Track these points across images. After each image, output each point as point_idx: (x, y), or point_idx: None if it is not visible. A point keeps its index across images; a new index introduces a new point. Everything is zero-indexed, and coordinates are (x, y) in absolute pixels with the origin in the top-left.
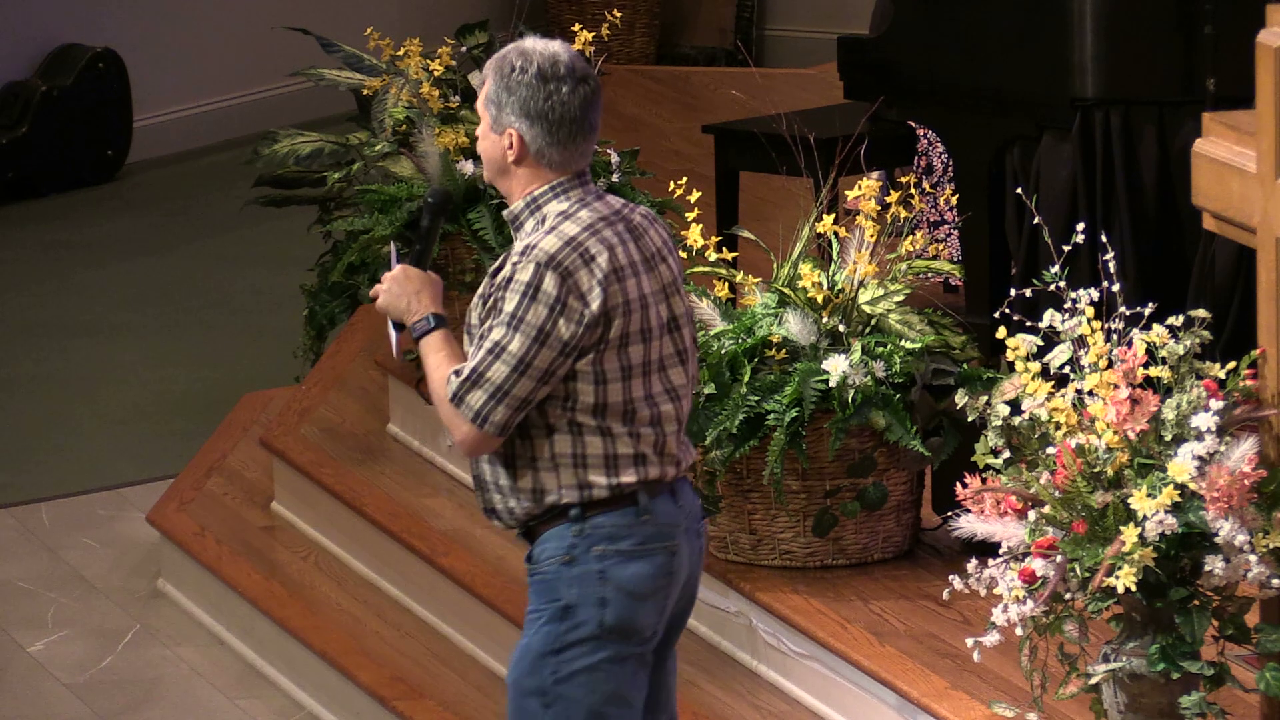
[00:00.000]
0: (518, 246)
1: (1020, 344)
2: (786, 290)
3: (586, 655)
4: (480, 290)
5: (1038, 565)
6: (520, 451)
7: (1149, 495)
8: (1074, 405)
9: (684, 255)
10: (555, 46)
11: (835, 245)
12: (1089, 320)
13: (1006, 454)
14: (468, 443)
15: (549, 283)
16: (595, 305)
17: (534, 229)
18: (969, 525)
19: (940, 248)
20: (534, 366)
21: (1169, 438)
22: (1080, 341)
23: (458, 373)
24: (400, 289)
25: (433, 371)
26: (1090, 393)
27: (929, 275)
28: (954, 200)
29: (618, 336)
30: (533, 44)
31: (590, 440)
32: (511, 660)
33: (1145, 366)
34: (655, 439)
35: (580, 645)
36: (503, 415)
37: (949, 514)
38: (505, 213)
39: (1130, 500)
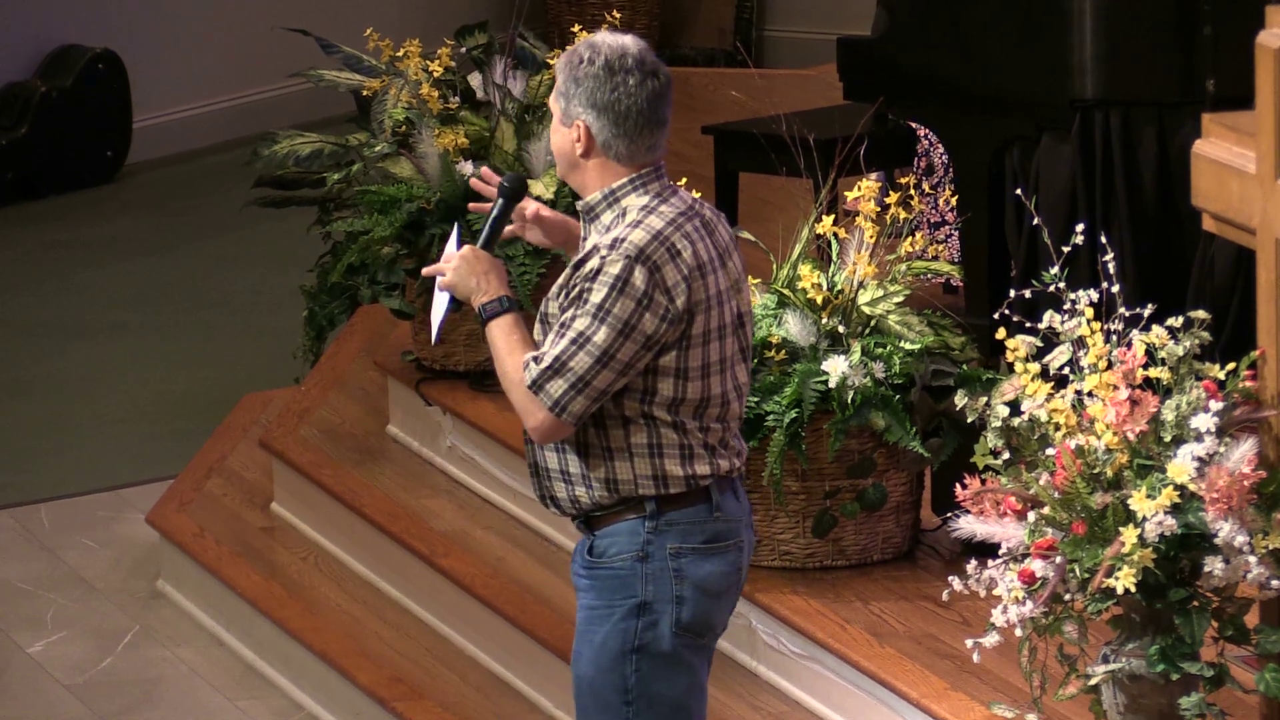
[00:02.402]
0: (604, 239)
1: (1020, 345)
2: (786, 291)
3: (666, 652)
4: (561, 280)
5: (1037, 566)
6: (594, 441)
7: (1148, 496)
8: (1073, 406)
9: None
10: (625, 40)
11: (835, 246)
12: (1088, 321)
13: (1006, 455)
14: (542, 430)
15: (638, 276)
16: (680, 301)
17: (614, 222)
18: (968, 526)
19: (940, 248)
20: (616, 359)
21: (1168, 439)
22: (1080, 342)
23: (536, 359)
24: (469, 268)
25: (505, 355)
26: (1090, 394)
27: (928, 276)
28: (954, 201)
29: (699, 333)
30: (603, 37)
31: (665, 432)
32: (579, 653)
33: (1145, 367)
34: (722, 433)
35: (657, 644)
36: (581, 405)
37: (948, 515)
38: (579, 204)
39: (1130, 501)
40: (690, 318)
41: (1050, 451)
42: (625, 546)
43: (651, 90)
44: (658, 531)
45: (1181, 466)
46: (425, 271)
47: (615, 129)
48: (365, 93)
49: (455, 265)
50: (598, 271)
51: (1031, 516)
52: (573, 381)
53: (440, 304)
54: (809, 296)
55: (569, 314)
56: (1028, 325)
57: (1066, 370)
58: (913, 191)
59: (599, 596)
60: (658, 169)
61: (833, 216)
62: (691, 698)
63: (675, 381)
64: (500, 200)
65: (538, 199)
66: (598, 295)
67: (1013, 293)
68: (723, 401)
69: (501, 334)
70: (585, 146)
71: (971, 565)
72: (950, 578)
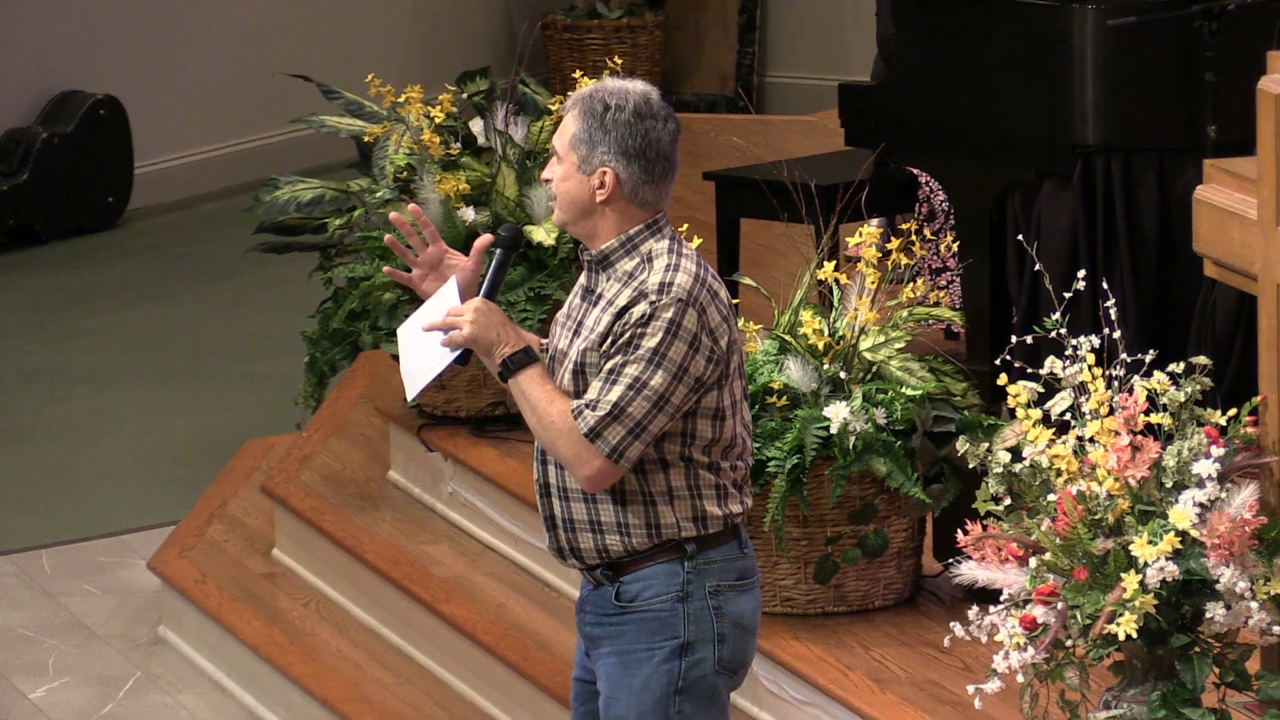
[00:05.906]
0: (650, 284)
1: (1021, 391)
2: (787, 337)
3: (707, 692)
4: (601, 328)
5: (1039, 612)
6: (633, 487)
7: (1150, 542)
8: (1075, 452)
9: None
10: (642, 85)
11: (836, 292)
12: (1090, 367)
13: (1007, 501)
14: (597, 477)
15: (689, 319)
16: (723, 341)
17: (639, 268)
18: (970, 572)
19: (942, 294)
20: (670, 402)
21: (1170, 484)
22: (1081, 388)
23: (591, 407)
24: (487, 320)
25: (545, 405)
26: (1091, 439)
27: (930, 322)
28: (955, 247)
29: (734, 370)
30: (619, 84)
31: (703, 474)
32: (615, 699)
33: (1146, 413)
34: (745, 471)
35: (701, 683)
36: (637, 450)
37: (950, 561)
38: (590, 253)
39: (1131, 547)
40: (727, 358)
41: (1052, 497)
42: (662, 588)
43: (672, 134)
44: (697, 571)
45: (1183, 512)
46: (429, 327)
47: (645, 175)
48: (367, 138)
49: (473, 319)
50: (650, 317)
51: (1033, 562)
52: (630, 427)
53: (438, 358)
54: (810, 342)
55: (618, 360)
56: (1029, 371)
57: (1068, 416)
58: (914, 237)
59: (636, 640)
60: (664, 214)
61: (834, 262)
62: None
63: (713, 423)
64: (500, 250)
65: (538, 245)
66: (652, 340)
67: (1014, 338)
68: (743, 440)
69: (535, 384)
70: (609, 193)
71: (973, 611)
72: (952, 623)
